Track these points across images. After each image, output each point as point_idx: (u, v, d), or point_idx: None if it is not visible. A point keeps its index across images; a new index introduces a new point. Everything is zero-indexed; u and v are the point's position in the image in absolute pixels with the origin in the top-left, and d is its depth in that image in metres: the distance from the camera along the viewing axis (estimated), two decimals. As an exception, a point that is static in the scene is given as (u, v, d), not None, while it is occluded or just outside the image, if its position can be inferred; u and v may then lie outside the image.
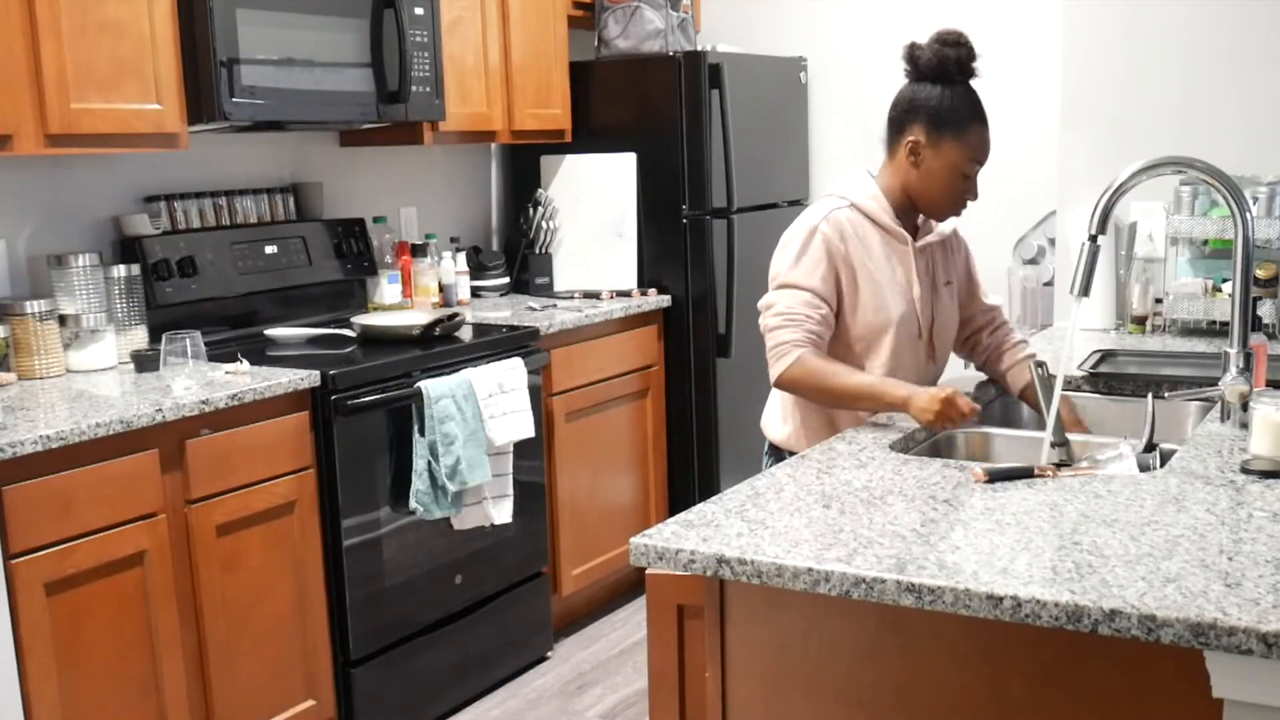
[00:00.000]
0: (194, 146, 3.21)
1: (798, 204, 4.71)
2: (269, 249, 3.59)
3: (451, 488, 3.22)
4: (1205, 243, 3.34)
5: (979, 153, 2.37)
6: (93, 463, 2.55)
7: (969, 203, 2.43)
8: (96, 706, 2.59)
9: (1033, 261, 4.30)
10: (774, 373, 2.35)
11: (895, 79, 2.44)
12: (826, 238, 2.37)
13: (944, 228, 2.53)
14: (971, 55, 2.34)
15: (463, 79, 3.89)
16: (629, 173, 4.33)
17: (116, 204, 3.35)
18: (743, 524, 1.72)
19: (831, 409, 2.42)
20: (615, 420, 4.12)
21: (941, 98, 2.34)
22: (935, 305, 2.50)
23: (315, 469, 3.04)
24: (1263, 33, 3.33)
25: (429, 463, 3.18)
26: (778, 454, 2.51)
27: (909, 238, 2.44)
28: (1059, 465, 2.05)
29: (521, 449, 3.53)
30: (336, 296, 3.85)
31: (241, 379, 2.93)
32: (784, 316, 2.34)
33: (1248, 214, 2.18)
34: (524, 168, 4.54)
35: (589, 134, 4.41)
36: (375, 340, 3.46)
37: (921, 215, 2.50)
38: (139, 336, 3.23)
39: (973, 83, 2.38)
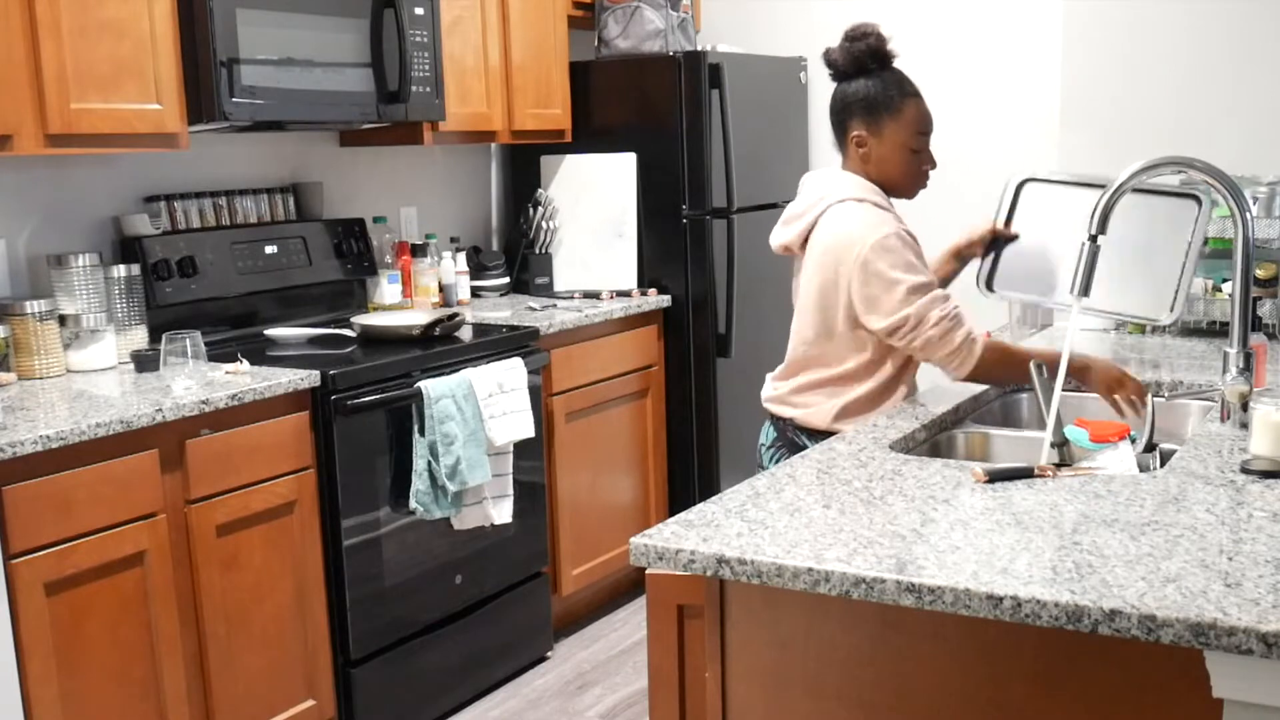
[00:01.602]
0: (194, 146, 3.21)
1: (798, 204, 4.70)
2: (269, 249, 3.59)
3: (451, 488, 3.22)
4: (1205, 243, 3.33)
5: (920, 124, 2.45)
6: (93, 463, 2.55)
7: (930, 172, 2.50)
8: (96, 707, 2.59)
9: (1033, 261, 4.29)
10: (965, 368, 2.38)
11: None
12: (907, 237, 2.41)
13: None
14: (882, 42, 2.43)
15: (463, 79, 3.89)
16: (629, 173, 4.33)
17: (116, 204, 3.35)
18: (743, 524, 1.72)
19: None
20: (615, 420, 4.12)
21: (868, 88, 2.43)
22: None
23: (315, 469, 3.04)
24: (1263, 33, 3.33)
25: (429, 463, 3.18)
26: (795, 447, 2.50)
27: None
28: (1059, 465, 2.05)
29: (521, 449, 3.53)
30: (336, 296, 3.85)
31: (241, 379, 2.93)
32: (950, 318, 2.36)
33: (1248, 214, 2.18)
34: (524, 168, 4.54)
35: (589, 134, 4.41)
36: (375, 340, 3.46)
37: None
38: (139, 336, 3.23)
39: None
